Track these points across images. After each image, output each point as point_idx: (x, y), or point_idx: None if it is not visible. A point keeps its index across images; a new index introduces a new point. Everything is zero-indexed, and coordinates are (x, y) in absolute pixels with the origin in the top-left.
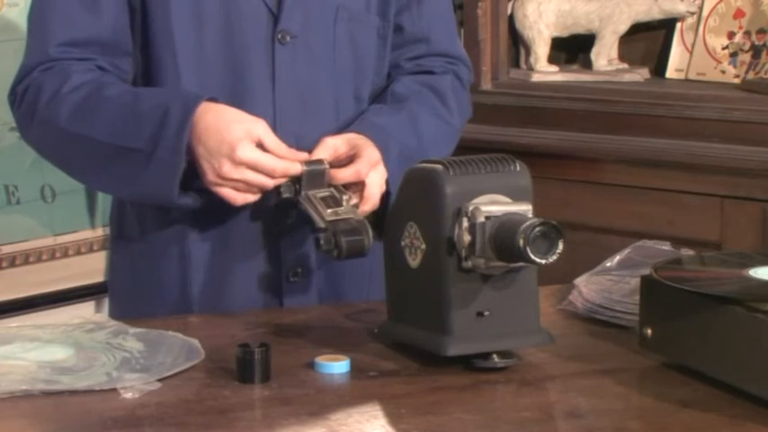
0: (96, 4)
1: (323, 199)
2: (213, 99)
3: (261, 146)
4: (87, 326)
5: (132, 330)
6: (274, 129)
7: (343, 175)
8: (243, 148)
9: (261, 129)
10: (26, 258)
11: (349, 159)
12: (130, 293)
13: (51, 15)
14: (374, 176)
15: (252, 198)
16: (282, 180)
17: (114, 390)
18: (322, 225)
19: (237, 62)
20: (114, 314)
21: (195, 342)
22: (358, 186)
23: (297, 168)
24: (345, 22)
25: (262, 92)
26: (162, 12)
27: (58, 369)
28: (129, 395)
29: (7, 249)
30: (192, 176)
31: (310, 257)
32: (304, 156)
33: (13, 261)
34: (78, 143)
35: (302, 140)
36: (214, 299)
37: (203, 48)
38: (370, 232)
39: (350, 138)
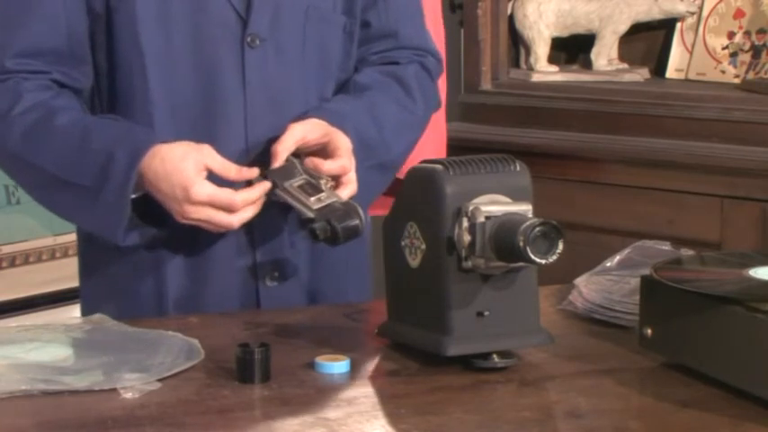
0: (52, 12)
1: (300, 187)
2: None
3: (210, 171)
4: (87, 326)
5: (132, 330)
6: (246, 132)
7: (329, 167)
8: (197, 189)
9: (206, 155)
10: (26, 258)
11: (320, 147)
12: (104, 298)
13: (3, 25)
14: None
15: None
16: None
17: (114, 390)
18: (310, 215)
19: (208, 66)
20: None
21: (195, 342)
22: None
23: (256, 193)
24: (315, 22)
25: (232, 96)
26: (127, 15)
27: (58, 369)
28: (129, 395)
29: (7, 249)
30: (153, 204)
31: (286, 261)
32: (255, 171)
33: (13, 261)
34: (27, 168)
35: (274, 142)
36: (190, 304)
37: (172, 52)
38: (361, 212)
39: (317, 124)
